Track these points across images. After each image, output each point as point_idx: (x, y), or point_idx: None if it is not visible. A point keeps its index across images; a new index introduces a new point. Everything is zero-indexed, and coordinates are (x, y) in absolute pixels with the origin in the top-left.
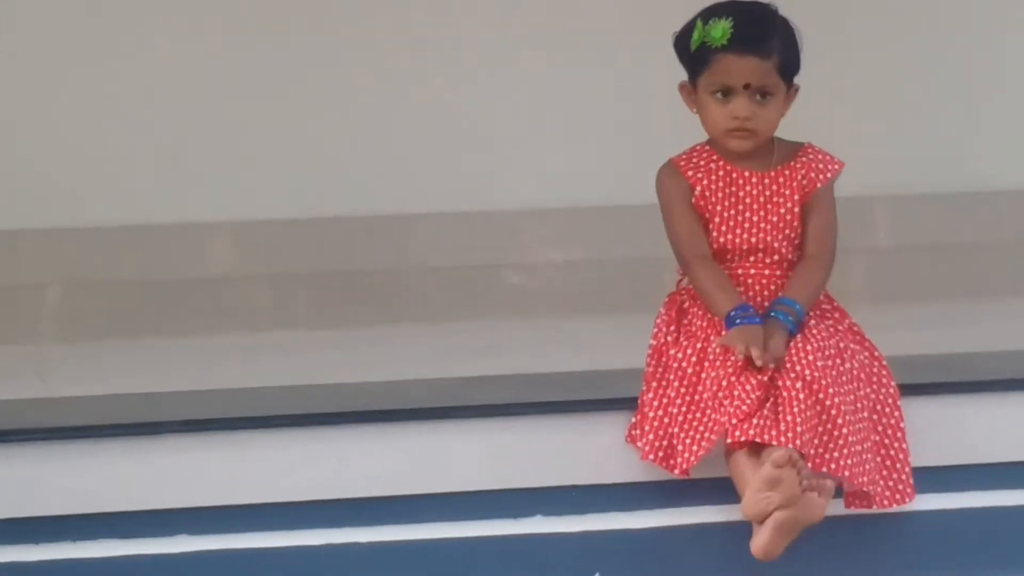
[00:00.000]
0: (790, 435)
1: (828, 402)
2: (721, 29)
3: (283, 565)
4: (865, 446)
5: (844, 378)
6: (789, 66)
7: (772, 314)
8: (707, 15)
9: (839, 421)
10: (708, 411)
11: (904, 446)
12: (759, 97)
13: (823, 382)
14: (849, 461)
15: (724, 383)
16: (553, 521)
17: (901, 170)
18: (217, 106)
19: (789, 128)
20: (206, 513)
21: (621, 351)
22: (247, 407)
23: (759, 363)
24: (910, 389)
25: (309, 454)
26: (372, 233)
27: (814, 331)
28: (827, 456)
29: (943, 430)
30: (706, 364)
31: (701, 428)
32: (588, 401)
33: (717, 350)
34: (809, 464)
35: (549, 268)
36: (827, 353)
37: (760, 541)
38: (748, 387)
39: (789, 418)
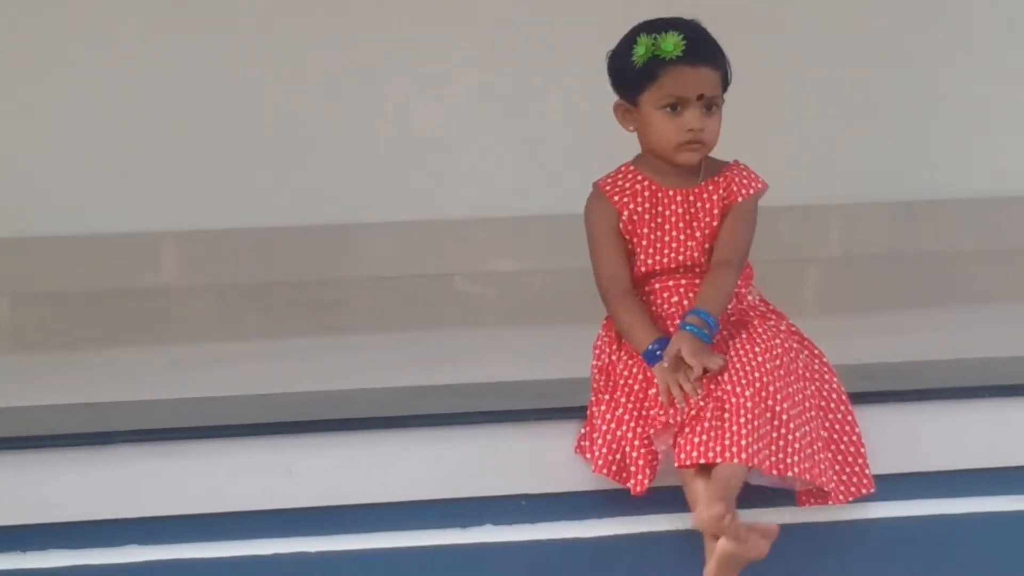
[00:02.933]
0: (735, 450)
1: (778, 408)
2: (673, 42)
3: (232, 575)
4: (816, 446)
5: (791, 377)
6: (727, 79)
7: (687, 328)
8: (648, 30)
9: (791, 425)
10: (656, 432)
11: (855, 439)
12: (706, 109)
13: (771, 388)
14: (805, 464)
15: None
16: (503, 530)
17: (854, 179)
18: (164, 117)
19: (743, 138)
20: (156, 523)
21: (571, 360)
22: (196, 417)
23: (676, 404)
24: (862, 397)
25: (258, 464)
26: (321, 243)
27: (759, 330)
28: (780, 458)
29: (895, 438)
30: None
31: (651, 445)
32: (538, 410)
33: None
34: (762, 470)
35: (500, 277)
36: (774, 353)
37: (708, 571)
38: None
39: (735, 428)
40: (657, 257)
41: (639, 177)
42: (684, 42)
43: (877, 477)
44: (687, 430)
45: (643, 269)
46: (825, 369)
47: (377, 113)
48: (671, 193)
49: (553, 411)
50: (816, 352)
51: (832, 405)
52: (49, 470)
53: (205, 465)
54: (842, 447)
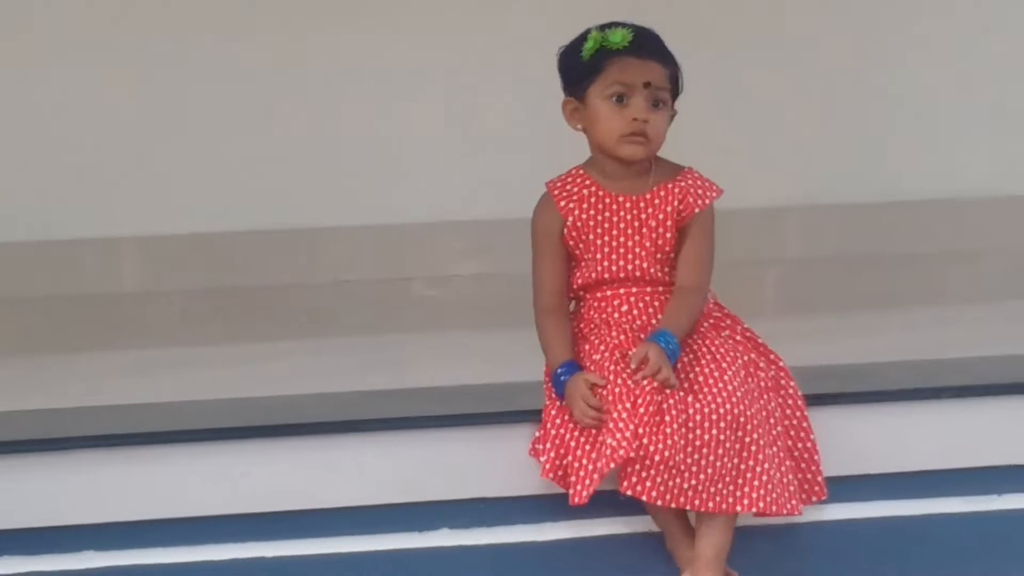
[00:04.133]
0: (691, 495)
1: (748, 438)
2: (621, 35)
3: None
4: (784, 467)
5: (755, 393)
6: (676, 85)
7: (659, 341)
8: (600, 27)
9: (760, 457)
10: (599, 439)
11: (810, 445)
12: (652, 104)
13: (741, 419)
14: (769, 497)
15: (621, 397)
16: (459, 534)
17: (812, 181)
18: (127, 123)
19: (700, 139)
20: (112, 529)
21: (531, 364)
22: (153, 422)
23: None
24: (819, 399)
25: (216, 468)
26: (281, 247)
27: (721, 350)
28: (742, 493)
29: (851, 440)
30: (609, 383)
31: (594, 456)
32: (494, 414)
33: (610, 376)
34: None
35: (459, 281)
36: (740, 375)
37: None
38: (630, 409)
39: (696, 469)
40: (605, 264)
41: (587, 181)
42: (631, 35)
43: (833, 479)
44: (658, 467)
45: (592, 276)
46: (783, 375)
47: (337, 118)
48: (620, 199)
49: (509, 415)
50: (772, 358)
51: (789, 412)
52: (5, 476)
53: (163, 470)
54: (795, 453)
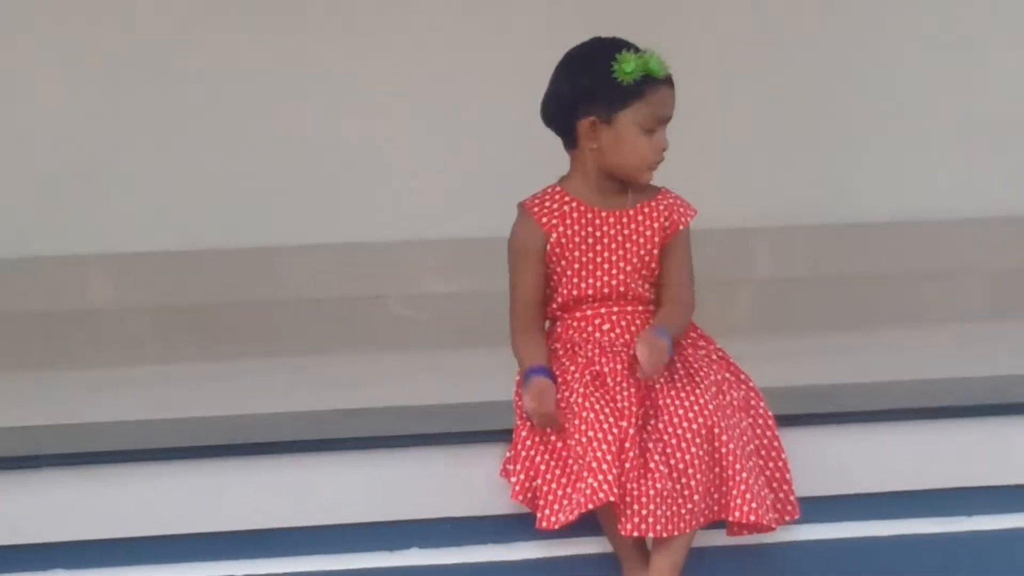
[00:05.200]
0: (685, 522)
1: (724, 448)
2: (658, 62)
3: None
4: (760, 482)
5: (729, 411)
6: None
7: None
8: (615, 47)
9: (737, 466)
10: (573, 471)
11: (781, 464)
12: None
13: (715, 430)
14: (753, 504)
15: (592, 445)
16: (429, 553)
17: (782, 203)
18: (95, 139)
19: (673, 163)
20: (84, 547)
21: (503, 383)
22: (125, 440)
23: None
24: (790, 420)
25: (188, 487)
26: (255, 265)
27: (695, 365)
28: (729, 499)
29: (822, 460)
30: (573, 417)
31: (568, 487)
32: (466, 433)
33: (580, 399)
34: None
35: (433, 299)
36: (712, 391)
37: None
38: (611, 450)
39: (687, 494)
40: (590, 280)
41: (567, 198)
42: (663, 64)
43: (805, 499)
44: (655, 501)
45: (575, 293)
46: (753, 395)
47: (311, 136)
48: (603, 214)
49: (481, 434)
50: (743, 378)
51: (760, 432)
52: None
53: (137, 488)
54: (767, 473)
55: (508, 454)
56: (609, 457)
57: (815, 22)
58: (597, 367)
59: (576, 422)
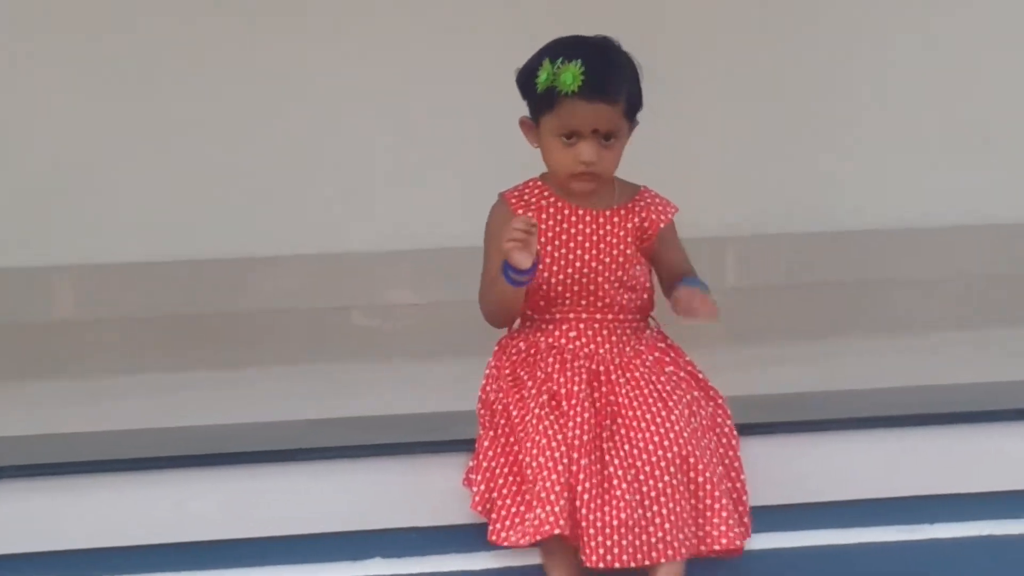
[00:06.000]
0: (661, 547)
1: (700, 477)
2: (571, 75)
3: None
4: (732, 505)
5: (700, 432)
6: (634, 105)
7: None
8: (554, 54)
9: (716, 494)
10: (527, 489)
11: (739, 485)
12: (604, 140)
13: (690, 460)
14: (736, 530)
15: (542, 474)
16: (393, 563)
17: (750, 211)
18: (62, 151)
19: (642, 170)
20: (45, 558)
21: (465, 393)
22: (87, 451)
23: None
24: (753, 428)
25: (151, 497)
26: (219, 276)
27: (667, 388)
28: (707, 532)
29: (784, 469)
30: (526, 439)
31: (522, 506)
32: (429, 443)
33: (534, 421)
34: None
35: (397, 310)
36: (686, 415)
37: None
38: (560, 480)
39: (658, 521)
40: (560, 276)
41: (546, 193)
42: (583, 75)
43: (768, 507)
44: (619, 531)
45: (543, 288)
46: (719, 412)
47: (276, 146)
48: (580, 212)
49: (443, 444)
50: (712, 394)
51: (722, 450)
52: None
53: (98, 499)
54: (732, 492)
55: (471, 463)
56: (558, 488)
57: (793, 31)
58: (555, 386)
59: (528, 445)
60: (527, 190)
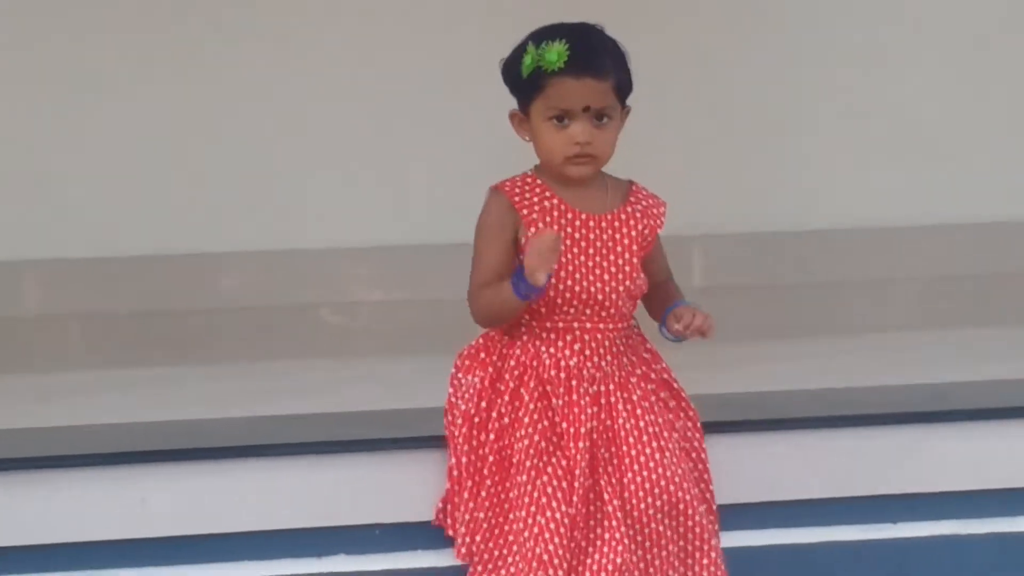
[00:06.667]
0: None
1: (689, 521)
2: (556, 52)
3: None
4: (714, 537)
5: (688, 467)
6: (624, 87)
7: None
8: (537, 39)
9: (705, 535)
10: (523, 542)
11: (710, 495)
12: (597, 120)
13: (680, 506)
14: (723, 570)
15: (543, 536)
16: (357, 560)
17: (712, 211)
18: (25, 145)
19: (608, 168)
20: (6, 554)
21: (431, 390)
22: (51, 447)
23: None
24: (717, 427)
25: (115, 493)
26: (186, 272)
27: (657, 422)
28: (693, 574)
29: (747, 468)
30: (520, 486)
31: (519, 561)
32: (393, 439)
33: (531, 471)
34: None
35: (365, 308)
36: (676, 453)
37: None
38: (563, 543)
39: (658, 562)
40: (569, 283)
41: (547, 193)
42: (568, 52)
43: (731, 506)
44: (594, 568)
45: (550, 294)
46: (690, 426)
47: (242, 142)
48: (583, 217)
49: (409, 440)
50: (684, 406)
51: (696, 474)
52: None
53: (59, 495)
54: None
55: (446, 504)
56: (561, 552)
57: (748, 36)
58: (559, 417)
59: (527, 501)
60: (525, 187)
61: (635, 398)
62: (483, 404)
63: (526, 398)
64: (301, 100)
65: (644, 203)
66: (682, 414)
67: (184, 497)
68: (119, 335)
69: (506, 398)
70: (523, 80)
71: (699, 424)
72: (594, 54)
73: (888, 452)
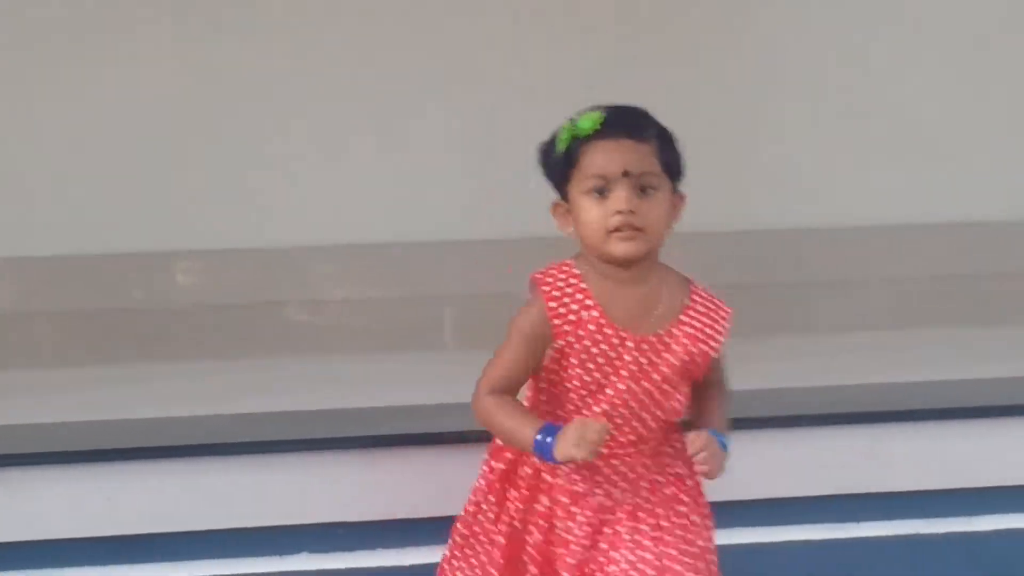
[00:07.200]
0: None
1: None
2: (591, 119)
3: None
4: None
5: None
6: (670, 161)
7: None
8: (574, 116)
9: None
10: None
11: None
12: (641, 192)
13: None
14: None
15: None
16: (319, 558)
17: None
18: None
19: None
20: None
21: (396, 389)
22: (15, 444)
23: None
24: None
25: (76, 491)
26: (151, 270)
27: (650, 552)
28: None
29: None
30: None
31: None
32: (357, 438)
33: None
34: None
35: (331, 306)
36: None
37: None
38: None
39: None
40: (587, 400)
41: (588, 301)
42: (603, 116)
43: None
44: None
45: (568, 408)
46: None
47: (209, 139)
48: (622, 335)
49: (373, 439)
50: (704, 512)
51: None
52: None
53: (26, 493)
54: None
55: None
56: None
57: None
58: (551, 547)
59: None
60: (567, 287)
61: (644, 528)
62: (484, 503)
63: (515, 515)
64: (270, 95)
65: (703, 316)
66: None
67: (148, 495)
68: (85, 333)
69: (492, 498)
70: (558, 157)
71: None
72: (631, 117)
73: (850, 451)
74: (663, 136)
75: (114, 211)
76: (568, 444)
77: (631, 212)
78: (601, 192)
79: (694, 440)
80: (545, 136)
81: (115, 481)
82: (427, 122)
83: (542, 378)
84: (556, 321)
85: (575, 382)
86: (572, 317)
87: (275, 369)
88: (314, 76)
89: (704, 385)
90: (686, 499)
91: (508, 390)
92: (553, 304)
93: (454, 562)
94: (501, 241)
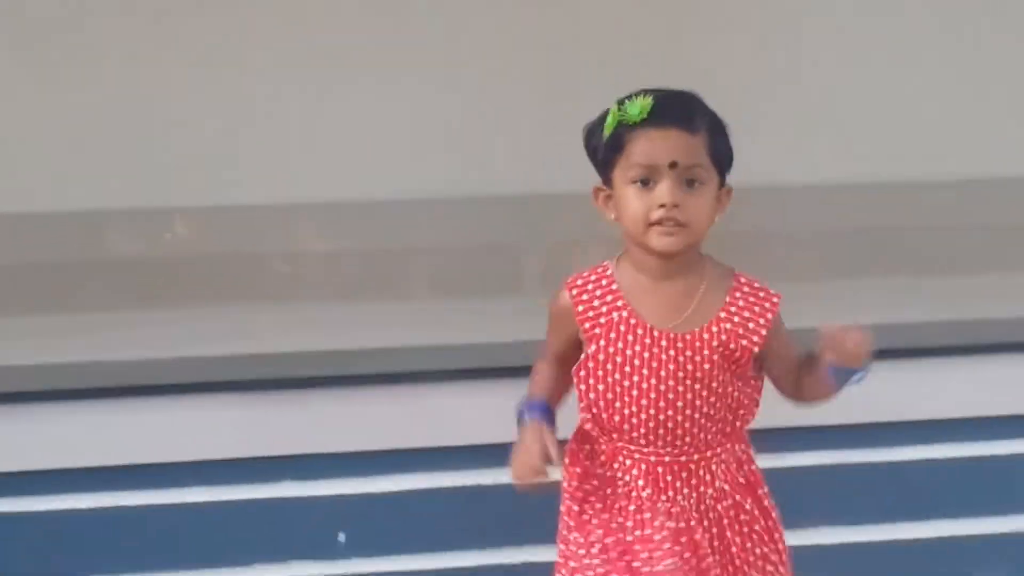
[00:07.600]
0: None
1: None
2: (639, 106)
3: (49, 528)
4: None
5: None
6: (720, 153)
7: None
8: (622, 99)
9: None
10: None
11: None
12: (686, 185)
13: None
14: None
15: None
16: (302, 485)
17: None
18: None
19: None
20: None
21: (373, 332)
22: (20, 382)
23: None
24: None
25: (82, 424)
26: (149, 224)
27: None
28: None
29: None
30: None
31: None
32: (334, 377)
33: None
34: None
35: (313, 258)
36: None
37: None
38: None
39: None
40: (634, 408)
41: (619, 303)
42: (652, 103)
43: None
44: None
45: (603, 417)
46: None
47: (184, 99)
48: (655, 335)
49: (348, 378)
50: (770, 524)
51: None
52: None
53: (26, 426)
54: None
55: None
56: None
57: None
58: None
59: None
60: (597, 288)
61: (729, 535)
62: (571, 491)
63: (594, 521)
64: (252, 54)
65: (744, 310)
66: (772, 546)
67: (144, 427)
68: (81, 283)
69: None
70: (605, 143)
71: (785, 558)
72: (683, 106)
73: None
74: (714, 127)
75: (118, 166)
76: (514, 469)
77: (675, 206)
78: (646, 183)
79: (829, 338)
80: (527, 97)
81: (113, 415)
82: (414, 84)
83: (582, 378)
84: (586, 325)
85: (609, 380)
86: (603, 316)
87: (257, 314)
88: (300, 38)
89: (787, 362)
90: (754, 511)
91: (553, 359)
92: (581, 307)
93: None
94: (474, 199)
